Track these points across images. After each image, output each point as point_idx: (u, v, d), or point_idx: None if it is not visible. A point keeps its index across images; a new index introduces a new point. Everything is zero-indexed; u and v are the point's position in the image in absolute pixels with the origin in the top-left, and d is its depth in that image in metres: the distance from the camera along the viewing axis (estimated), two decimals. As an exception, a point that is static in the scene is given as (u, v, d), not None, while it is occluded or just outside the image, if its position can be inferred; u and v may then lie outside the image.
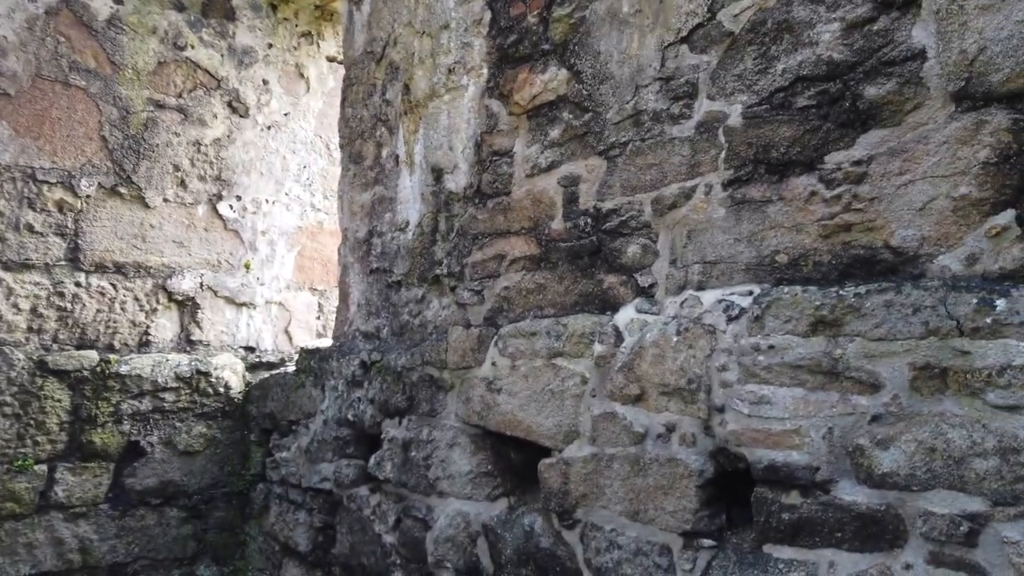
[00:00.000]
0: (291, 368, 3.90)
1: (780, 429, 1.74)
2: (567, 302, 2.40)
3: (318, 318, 4.42)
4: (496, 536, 2.44)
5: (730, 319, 1.88)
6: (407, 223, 3.12)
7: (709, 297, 2.00)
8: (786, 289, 1.79)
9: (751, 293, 1.88)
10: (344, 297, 3.51)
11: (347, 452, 3.16)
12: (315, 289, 4.43)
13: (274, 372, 3.88)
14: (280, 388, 3.64)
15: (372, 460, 2.99)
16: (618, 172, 2.27)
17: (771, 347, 1.77)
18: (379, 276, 3.27)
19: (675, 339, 2.01)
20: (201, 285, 3.93)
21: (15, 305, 3.36)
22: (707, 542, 1.89)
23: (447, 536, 2.61)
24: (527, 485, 2.55)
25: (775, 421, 1.75)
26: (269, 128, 4.22)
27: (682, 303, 2.06)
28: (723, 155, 1.98)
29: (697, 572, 1.88)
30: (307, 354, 3.51)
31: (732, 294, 1.92)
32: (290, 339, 4.29)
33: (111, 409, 3.51)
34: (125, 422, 3.53)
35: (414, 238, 3.05)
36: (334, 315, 4.49)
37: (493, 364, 2.54)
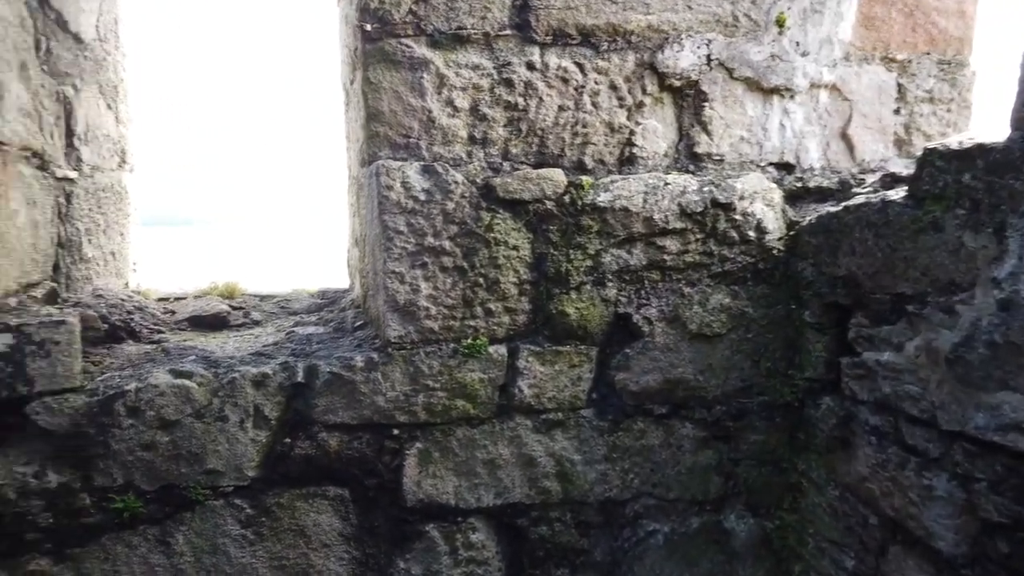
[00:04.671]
0: (872, 196, 2.14)
1: None
2: None
3: (897, 111, 2.53)
4: None
5: None
6: None
7: None
8: None
9: None
10: (1048, 27, 1.56)
11: (1097, 380, 1.35)
12: (892, 59, 2.51)
13: (849, 204, 2.17)
14: (871, 232, 1.94)
15: None
16: None
17: None
18: None
19: None
20: (708, 60, 2.35)
21: (449, 102, 2.21)
22: None
23: None
24: None
25: None
26: None
27: None
28: None
29: None
30: (946, 162, 1.71)
31: None
32: (850, 150, 2.51)
33: (588, 263, 2.23)
34: (609, 284, 2.24)
35: None
36: (920, 107, 2.56)
37: None
